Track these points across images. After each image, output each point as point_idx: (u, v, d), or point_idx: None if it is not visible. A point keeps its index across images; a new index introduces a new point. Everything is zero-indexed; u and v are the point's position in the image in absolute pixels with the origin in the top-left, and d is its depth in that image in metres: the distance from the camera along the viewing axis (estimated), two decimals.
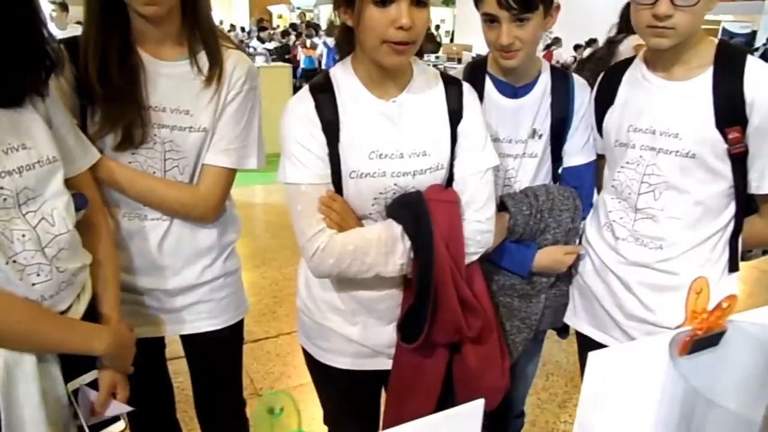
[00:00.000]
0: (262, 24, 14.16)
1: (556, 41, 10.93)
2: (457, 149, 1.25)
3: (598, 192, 1.50)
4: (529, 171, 1.45)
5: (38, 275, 0.98)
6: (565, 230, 1.42)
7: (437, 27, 15.92)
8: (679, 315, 1.33)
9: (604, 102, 1.43)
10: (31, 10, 1.01)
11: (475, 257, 1.25)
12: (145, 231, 1.32)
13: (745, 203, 1.33)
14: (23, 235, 0.97)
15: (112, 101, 1.21)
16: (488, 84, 1.44)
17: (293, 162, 1.19)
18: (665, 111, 1.30)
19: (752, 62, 1.25)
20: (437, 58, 11.99)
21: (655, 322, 1.35)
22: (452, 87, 1.27)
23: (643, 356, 0.56)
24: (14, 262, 0.95)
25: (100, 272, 1.16)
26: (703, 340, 0.56)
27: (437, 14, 18.55)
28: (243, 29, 17.21)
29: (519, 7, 1.23)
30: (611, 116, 1.40)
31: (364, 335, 1.31)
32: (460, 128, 1.25)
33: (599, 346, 1.25)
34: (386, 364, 1.33)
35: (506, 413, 1.73)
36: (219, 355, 1.54)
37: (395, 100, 1.21)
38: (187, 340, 1.49)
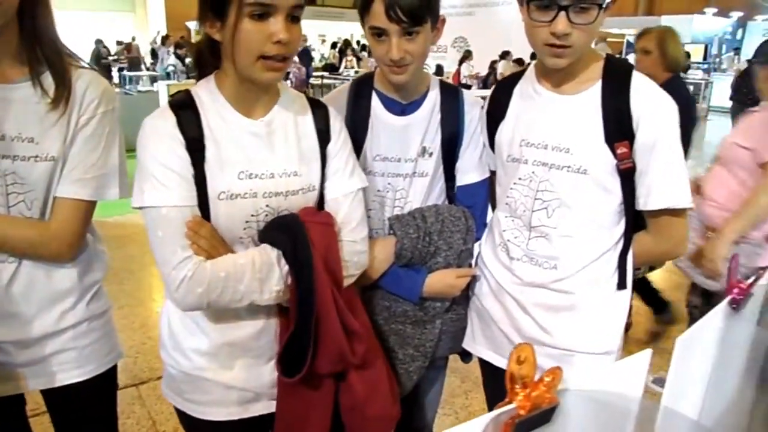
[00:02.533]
0: (179, 41, 13.69)
1: (468, 54, 11.20)
2: (327, 171, 1.20)
3: (493, 210, 1.45)
4: (421, 191, 1.39)
5: None
6: (457, 252, 1.36)
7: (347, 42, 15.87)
8: (575, 336, 1.32)
9: (495, 116, 1.39)
10: None
11: (353, 279, 1.20)
12: None
13: (634, 220, 1.32)
14: None
15: None
16: (375, 101, 1.37)
17: (152, 183, 1.07)
18: (556, 125, 1.27)
19: (637, 78, 1.24)
20: (356, 72, 12.02)
21: (552, 344, 1.32)
22: (318, 109, 1.23)
23: None
24: None
25: None
26: (529, 421, 0.48)
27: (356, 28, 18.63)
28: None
29: (409, 20, 1.18)
30: (503, 131, 1.36)
31: (244, 378, 1.20)
32: (329, 150, 1.21)
33: (500, 371, 1.19)
34: (271, 407, 1.22)
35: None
36: (89, 408, 1.36)
37: (263, 119, 1.15)
38: (50, 395, 1.31)
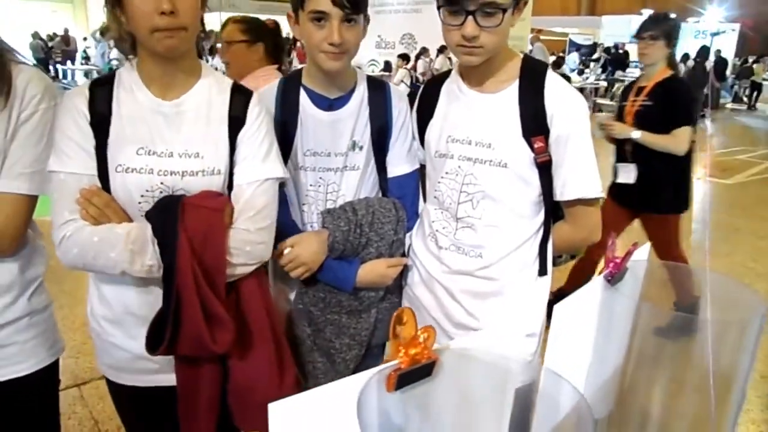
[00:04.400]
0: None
1: (424, 51, 11.30)
2: (236, 157, 1.24)
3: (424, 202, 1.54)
4: (353, 184, 1.45)
5: None
6: (389, 243, 1.44)
7: None
8: (501, 320, 1.42)
9: (424, 114, 1.47)
10: None
11: (246, 269, 1.22)
12: None
13: (553, 210, 1.43)
14: None
15: None
16: (303, 97, 1.43)
17: (56, 151, 1.18)
18: (479, 122, 1.36)
19: (551, 77, 1.34)
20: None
21: (478, 328, 1.41)
22: (239, 95, 1.27)
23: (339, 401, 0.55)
24: None
25: None
26: (411, 373, 0.56)
27: None
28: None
29: (351, 5, 1.25)
30: (432, 128, 1.45)
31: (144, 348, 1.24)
32: (240, 136, 1.24)
33: None
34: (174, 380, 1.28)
35: None
36: (30, 403, 1.38)
37: (175, 101, 1.21)
38: None
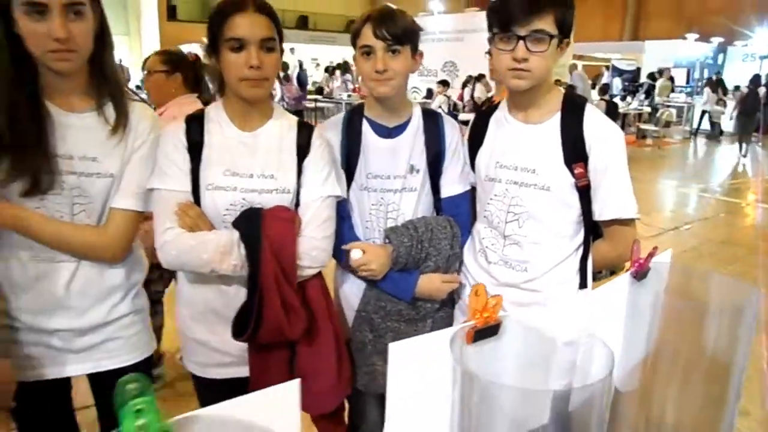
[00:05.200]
0: None
1: (479, 78, 11.43)
2: (302, 179, 1.47)
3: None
4: (411, 203, 1.63)
5: None
6: (446, 257, 1.61)
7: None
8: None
9: (475, 142, 1.65)
10: None
11: (311, 271, 1.45)
12: (53, 273, 1.38)
13: (593, 229, 1.58)
14: None
15: (21, 151, 1.28)
16: (365, 126, 1.63)
17: (158, 172, 1.42)
18: (524, 150, 1.53)
19: (590, 110, 1.51)
20: (349, 96, 12.31)
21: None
22: (304, 129, 1.51)
23: (438, 347, 0.73)
24: None
25: None
26: (483, 331, 0.74)
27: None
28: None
29: (391, 38, 1.47)
30: (481, 154, 1.62)
31: (223, 342, 1.46)
32: (306, 162, 1.48)
33: None
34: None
35: None
36: None
37: (253, 132, 1.46)
38: (96, 379, 1.53)
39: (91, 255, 1.41)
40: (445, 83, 11.22)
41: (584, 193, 1.51)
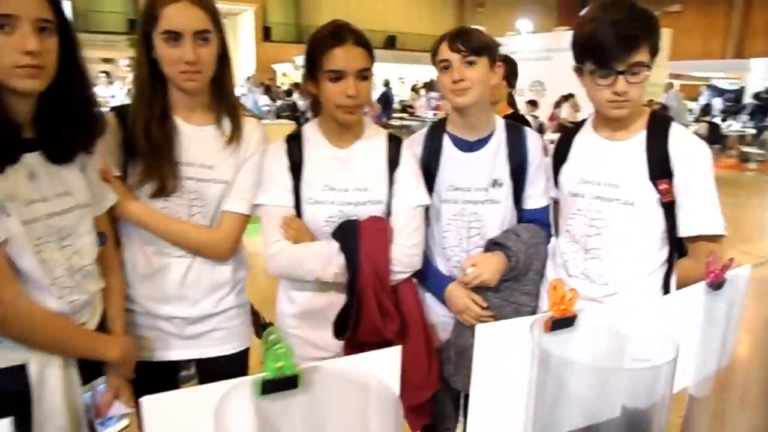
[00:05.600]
0: (266, 83, 14.78)
1: (569, 96, 11.21)
2: (393, 190, 1.58)
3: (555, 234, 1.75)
4: (496, 215, 1.69)
5: (70, 295, 1.25)
6: (543, 259, 1.69)
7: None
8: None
9: (559, 158, 1.70)
10: (85, 89, 1.29)
11: (403, 276, 1.56)
12: (170, 266, 1.57)
13: (678, 247, 1.58)
14: (61, 264, 1.23)
15: (152, 157, 1.48)
16: (446, 140, 1.71)
17: (265, 189, 1.58)
18: (609, 166, 1.56)
19: (675, 127, 1.53)
20: (435, 114, 12.42)
21: None
22: (394, 143, 1.63)
23: (520, 333, 0.81)
24: (53, 285, 1.21)
25: (111, 296, 1.43)
26: (560, 321, 0.80)
27: None
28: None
29: (466, 50, 1.56)
30: (565, 171, 1.67)
31: (320, 338, 1.58)
32: (396, 174, 1.60)
33: None
34: None
35: None
36: (232, 377, 1.75)
37: (347, 149, 1.59)
38: (201, 365, 1.70)
39: (204, 252, 1.58)
40: (533, 103, 11.12)
41: (669, 209, 1.52)
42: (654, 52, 1.45)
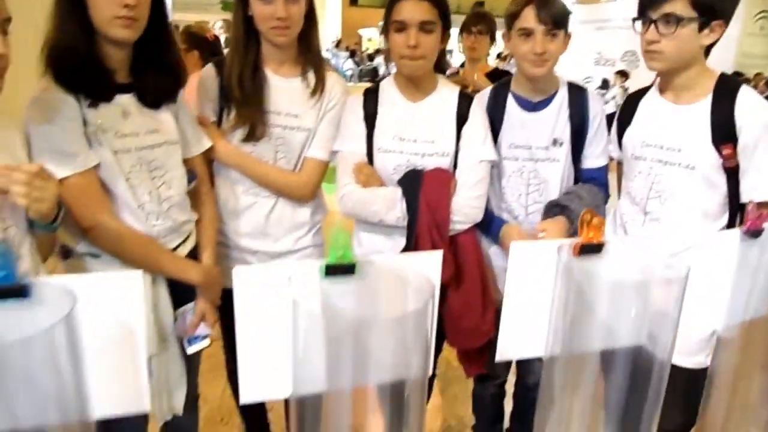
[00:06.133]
0: (352, 48, 14.99)
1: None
2: (460, 144, 1.68)
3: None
4: (555, 174, 1.76)
5: (156, 220, 1.45)
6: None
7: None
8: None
9: (624, 121, 1.74)
10: (171, 42, 1.49)
11: (462, 226, 1.66)
12: (257, 205, 1.76)
13: (740, 213, 1.59)
14: (150, 192, 1.44)
15: (244, 106, 1.67)
16: (510, 100, 1.79)
17: (341, 136, 1.73)
18: (672, 130, 1.60)
19: (744, 91, 1.53)
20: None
21: None
22: (464, 99, 1.72)
23: (550, 253, 0.92)
24: (142, 208, 1.42)
25: (202, 228, 1.63)
26: (588, 247, 0.90)
27: None
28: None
29: (552, 22, 1.62)
30: (629, 134, 1.71)
31: None
32: (464, 129, 1.69)
33: None
34: None
35: (525, 380, 2.06)
36: None
37: (419, 103, 1.70)
38: None
39: (287, 193, 1.77)
40: (623, 74, 10.64)
41: (732, 174, 1.54)
42: (703, 8, 1.46)
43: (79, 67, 1.32)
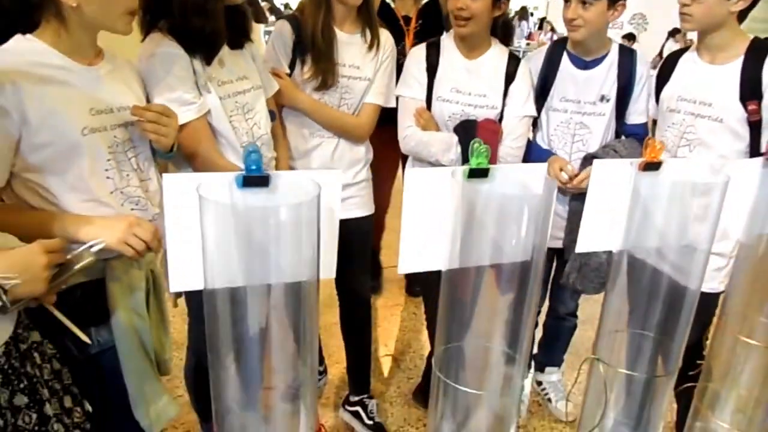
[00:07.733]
0: None
1: (675, 32, 10.63)
2: (507, 100, 1.90)
3: None
4: (600, 127, 1.97)
5: None
6: None
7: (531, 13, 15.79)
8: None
9: (663, 78, 1.92)
10: None
11: None
12: (323, 144, 1.96)
13: None
14: (246, 132, 1.63)
15: (318, 59, 1.85)
16: (565, 57, 1.98)
17: (404, 82, 1.97)
18: (705, 86, 1.78)
19: None
20: (528, 45, 12.16)
21: None
22: (513, 60, 1.92)
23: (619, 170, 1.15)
24: (243, 147, 1.56)
25: (278, 164, 1.81)
26: (651, 165, 1.14)
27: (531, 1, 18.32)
28: None
29: None
30: (667, 89, 1.89)
31: None
32: (511, 87, 1.90)
33: None
34: None
35: (559, 310, 2.28)
36: (363, 235, 2.14)
37: (473, 61, 1.91)
38: (342, 224, 2.09)
39: (348, 134, 1.98)
40: (630, 37, 10.62)
41: (755, 128, 1.73)
42: None
43: (203, 30, 1.46)
